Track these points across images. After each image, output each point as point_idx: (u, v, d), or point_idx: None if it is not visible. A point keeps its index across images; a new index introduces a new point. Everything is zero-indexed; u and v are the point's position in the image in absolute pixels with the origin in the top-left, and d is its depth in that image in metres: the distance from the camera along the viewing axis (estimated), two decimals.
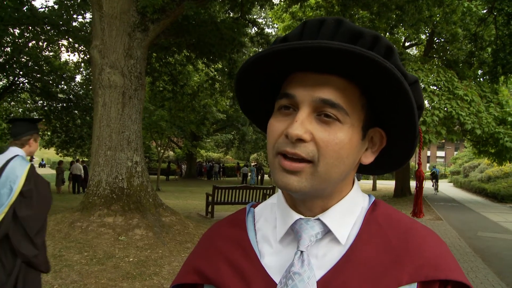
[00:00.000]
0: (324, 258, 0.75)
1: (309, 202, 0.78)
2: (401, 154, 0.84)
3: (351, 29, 0.72)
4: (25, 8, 14.14)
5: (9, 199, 3.15)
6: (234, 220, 0.89)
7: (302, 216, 0.78)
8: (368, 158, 0.80)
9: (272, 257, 0.79)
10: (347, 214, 0.79)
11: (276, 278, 0.75)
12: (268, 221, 0.85)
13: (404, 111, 0.73)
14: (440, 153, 68.20)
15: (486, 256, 8.49)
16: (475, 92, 16.34)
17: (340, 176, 0.74)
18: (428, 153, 66.02)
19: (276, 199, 0.86)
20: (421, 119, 14.98)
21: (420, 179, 0.84)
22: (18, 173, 3.25)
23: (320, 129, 0.71)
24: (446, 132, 16.19)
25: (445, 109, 15.65)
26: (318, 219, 0.77)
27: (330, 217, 0.77)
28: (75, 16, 16.06)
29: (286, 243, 0.79)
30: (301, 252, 0.74)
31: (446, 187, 34.30)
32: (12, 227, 3.15)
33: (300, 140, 0.70)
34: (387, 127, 0.80)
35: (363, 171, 0.96)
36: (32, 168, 3.32)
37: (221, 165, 42.88)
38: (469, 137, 18.28)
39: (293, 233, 0.78)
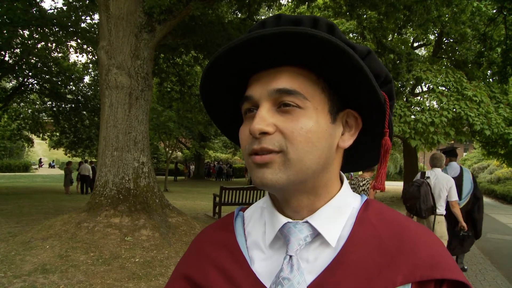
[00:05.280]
0: (315, 262, 0.73)
1: (294, 202, 0.76)
2: (381, 130, 0.81)
3: (290, 19, 0.73)
4: (34, 9, 14.24)
5: (468, 192, 6.51)
6: (223, 225, 0.88)
7: (290, 220, 0.76)
8: (346, 142, 0.79)
9: (262, 262, 0.77)
10: (337, 215, 0.77)
11: (267, 283, 0.73)
12: (258, 226, 0.83)
13: (359, 79, 0.71)
14: None
15: (495, 258, 8.40)
16: (484, 93, 16.22)
17: (317, 164, 0.72)
18: None
19: (265, 203, 0.84)
20: (430, 119, 14.88)
21: (385, 147, 0.82)
22: (466, 176, 6.59)
23: (283, 119, 0.70)
24: (455, 133, 16.08)
25: (454, 110, 15.57)
26: (307, 221, 0.75)
27: (318, 219, 0.75)
28: (83, 17, 16.14)
29: (276, 248, 0.78)
30: (290, 256, 0.72)
31: None
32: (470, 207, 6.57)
33: (264, 133, 0.70)
34: (359, 107, 0.78)
35: (357, 166, 0.95)
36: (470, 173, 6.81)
37: (230, 166, 42.80)
38: (478, 138, 18.13)
39: (282, 237, 0.76)
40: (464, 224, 5.93)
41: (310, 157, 0.70)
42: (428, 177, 5.86)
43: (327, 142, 0.73)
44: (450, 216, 5.88)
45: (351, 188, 5.76)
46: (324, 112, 0.73)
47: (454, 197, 5.72)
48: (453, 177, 6.09)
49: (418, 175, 6.11)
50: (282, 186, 0.71)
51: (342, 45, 0.65)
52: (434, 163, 5.98)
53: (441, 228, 5.70)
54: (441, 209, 5.71)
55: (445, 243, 5.77)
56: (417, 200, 5.64)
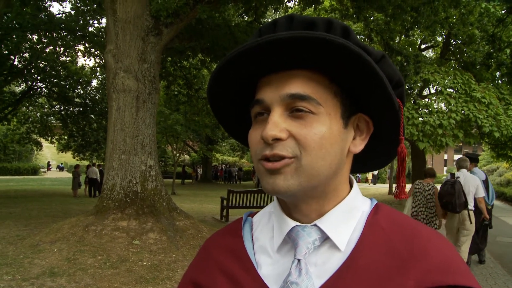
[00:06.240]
0: (324, 266, 0.72)
1: (303, 206, 0.74)
2: (391, 136, 0.81)
3: (303, 20, 0.71)
4: (42, 14, 14.39)
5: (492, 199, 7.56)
6: (231, 231, 0.87)
7: (298, 223, 0.75)
8: (357, 147, 0.77)
9: (269, 266, 0.76)
10: (346, 219, 0.75)
11: None
12: (266, 230, 0.82)
13: (375, 87, 0.70)
14: (458, 157, 67.38)
15: (505, 262, 8.31)
16: (493, 95, 16.05)
17: (329, 170, 0.71)
18: (445, 157, 65.21)
19: (273, 207, 0.83)
20: (438, 122, 14.76)
21: (401, 155, 0.80)
22: (490, 183, 7.50)
23: (296, 124, 0.69)
24: (463, 135, 15.92)
25: (462, 112, 15.40)
26: (315, 225, 0.73)
27: (327, 222, 0.73)
28: (91, 21, 16.27)
29: (284, 252, 0.76)
30: (298, 260, 0.71)
31: None
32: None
33: (277, 140, 0.68)
34: (370, 111, 0.77)
35: (364, 168, 0.93)
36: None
37: (239, 169, 42.75)
38: (487, 140, 17.96)
39: (290, 241, 0.75)
40: (487, 215, 7.02)
41: (322, 163, 0.69)
42: (458, 177, 6.63)
43: (339, 148, 0.72)
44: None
45: (416, 192, 6.69)
46: (336, 117, 0.72)
47: (481, 194, 6.61)
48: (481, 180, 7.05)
49: (448, 176, 6.83)
50: (294, 192, 0.70)
51: (360, 52, 0.64)
52: (461, 165, 6.88)
53: (472, 221, 6.56)
54: (471, 204, 6.52)
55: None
56: (453, 197, 6.33)
